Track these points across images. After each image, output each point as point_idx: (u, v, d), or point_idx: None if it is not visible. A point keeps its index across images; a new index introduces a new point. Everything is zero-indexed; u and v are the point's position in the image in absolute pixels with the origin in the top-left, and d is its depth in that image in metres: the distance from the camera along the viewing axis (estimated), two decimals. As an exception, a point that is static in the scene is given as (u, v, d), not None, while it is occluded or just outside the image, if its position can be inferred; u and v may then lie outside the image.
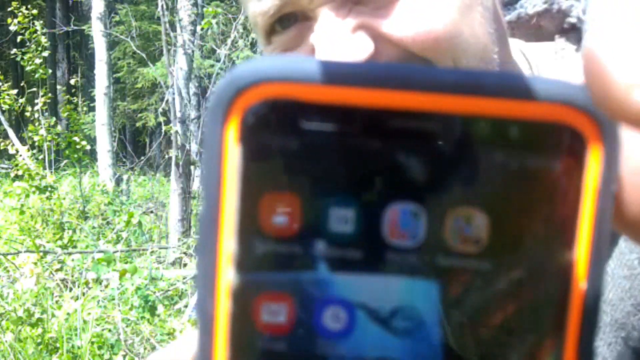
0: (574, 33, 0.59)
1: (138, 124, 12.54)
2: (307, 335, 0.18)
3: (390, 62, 0.15)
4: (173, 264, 4.56)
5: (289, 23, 0.51)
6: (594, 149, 0.17)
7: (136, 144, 14.21)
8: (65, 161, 6.83)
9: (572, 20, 0.58)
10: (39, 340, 2.92)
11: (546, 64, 0.59)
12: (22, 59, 5.38)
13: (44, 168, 5.29)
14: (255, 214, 0.17)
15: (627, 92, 0.15)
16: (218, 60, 7.71)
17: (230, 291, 0.17)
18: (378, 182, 0.17)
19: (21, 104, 5.53)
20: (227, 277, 0.17)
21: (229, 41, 7.74)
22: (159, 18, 6.52)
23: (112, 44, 9.16)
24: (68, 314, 3.13)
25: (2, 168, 8.39)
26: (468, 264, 0.17)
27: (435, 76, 0.17)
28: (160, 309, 3.24)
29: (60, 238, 4.52)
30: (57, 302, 3.41)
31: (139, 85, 11.68)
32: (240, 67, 0.17)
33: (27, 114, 5.59)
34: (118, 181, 7.39)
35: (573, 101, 0.17)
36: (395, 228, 0.17)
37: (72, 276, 3.76)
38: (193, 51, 6.87)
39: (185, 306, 3.48)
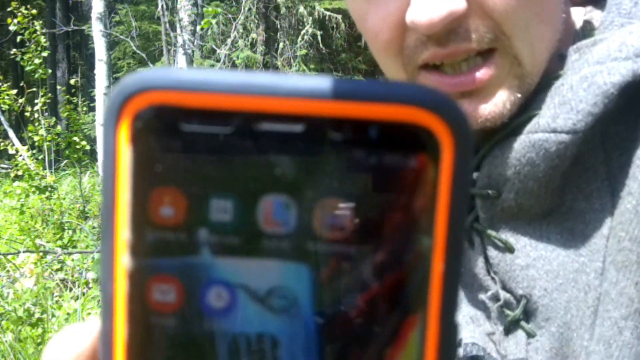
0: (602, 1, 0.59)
1: (138, 124, 12.51)
2: (194, 313, 0.20)
3: (258, 71, 0.17)
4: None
5: None
6: (446, 147, 0.19)
7: (136, 144, 14.19)
8: (65, 161, 6.83)
9: None
10: (39, 340, 2.92)
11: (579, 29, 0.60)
12: (21, 59, 5.38)
13: (44, 168, 5.29)
14: (145, 206, 0.19)
15: None
16: (218, 60, 7.71)
17: (126, 274, 0.19)
18: (252, 176, 0.19)
19: (21, 104, 5.52)
20: (123, 261, 0.19)
21: (229, 41, 7.74)
22: (159, 18, 6.52)
23: (112, 44, 9.16)
24: (68, 314, 3.13)
25: (2, 168, 8.39)
26: (335, 249, 0.19)
27: (299, 83, 0.19)
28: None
29: (60, 238, 4.52)
30: (57, 302, 3.41)
31: (139, 85, 11.64)
32: (129, 77, 0.19)
33: (27, 114, 5.58)
34: (118, 181, 7.37)
35: (426, 104, 0.18)
36: (269, 217, 0.19)
37: (72, 276, 3.76)
38: (193, 51, 6.87)
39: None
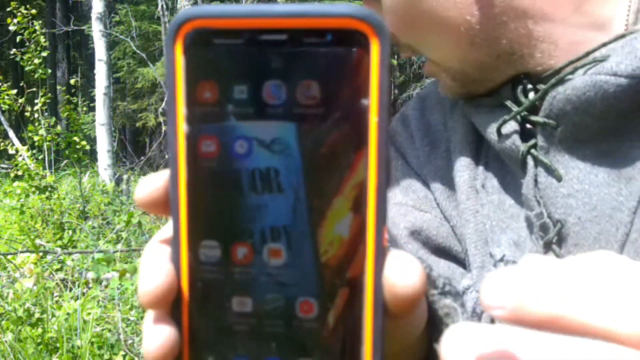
0: None
1: (138, 124, 12.54)
2: (226, 157, 0.31)
3: (257, 4, 0.31)
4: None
5: None
6: (374, 42, 0.29)
7: (136, 144, 14.20)
8: (65, 161, 6.84)
9: None
10: (39, 340, 2.92)
11: None
12: (21, 59, 5.39)
13: (44, 168, 5.30)
14: (194, 93, 0.30)
15: None
16: (218, 60, 7.68)
17: (184, 135, 0.31)
18: (257, 69, 0.30)
19: (21, 104, 5.52)
20: (182, 127, 0.31)
21: (228, 41, 7.70)
22: (159, 18, 6.51)
23: (112, 44, 9.14)
24: (68, 314, 3.13)
25: (2, 168, 8.40)
26: (310, 111, 0.30)
27: (283, 8, 0.29)
28: (160, 308, 3.22)
29: (60, 238, 4.53)
30: (57, 302, 3.41)
31: (139, 85, 11.69)
32: (180, 12, 0.30)
33: (27, 114, 5.58)
34: (118, 181, 7.39)
35: (360, 16, 0.29)
36: (269, 94, 0.30)
37: (72, 276, 3.76)
38: (193, 51, 6.84)
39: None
